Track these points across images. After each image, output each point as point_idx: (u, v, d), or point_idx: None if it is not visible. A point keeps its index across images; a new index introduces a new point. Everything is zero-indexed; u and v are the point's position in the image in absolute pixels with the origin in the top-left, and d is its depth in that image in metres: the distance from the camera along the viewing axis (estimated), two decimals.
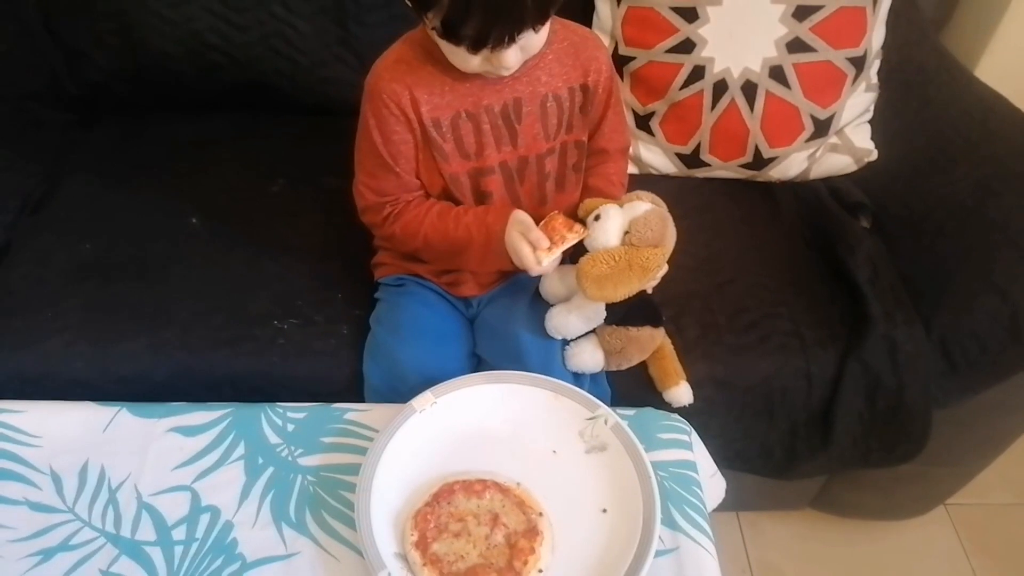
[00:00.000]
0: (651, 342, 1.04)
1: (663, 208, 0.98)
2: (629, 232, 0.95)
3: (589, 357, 1.03)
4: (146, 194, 1.31)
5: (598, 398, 1.04)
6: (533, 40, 0.91)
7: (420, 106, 0.98)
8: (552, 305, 1.05)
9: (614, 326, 1.02)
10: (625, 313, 1.01)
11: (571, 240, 0.97)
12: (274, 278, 1.18)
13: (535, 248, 0.96)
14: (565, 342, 1.04)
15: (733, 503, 1.16)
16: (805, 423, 1.14)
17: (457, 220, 1.03)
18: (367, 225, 1.09)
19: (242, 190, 1.32)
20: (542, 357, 1.02)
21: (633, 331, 1.02)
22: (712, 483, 1.02)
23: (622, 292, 0.95)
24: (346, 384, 1.08)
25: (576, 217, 1.02)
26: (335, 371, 1.09)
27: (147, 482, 0.88)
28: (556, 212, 1.01)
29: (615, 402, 1.06)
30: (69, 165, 1.38)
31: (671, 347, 1.08)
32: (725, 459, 1.15)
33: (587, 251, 0.98)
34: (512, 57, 0.90)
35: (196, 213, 1.27)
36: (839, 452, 1.15)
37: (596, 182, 1.12)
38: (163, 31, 1.38)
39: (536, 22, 0.87)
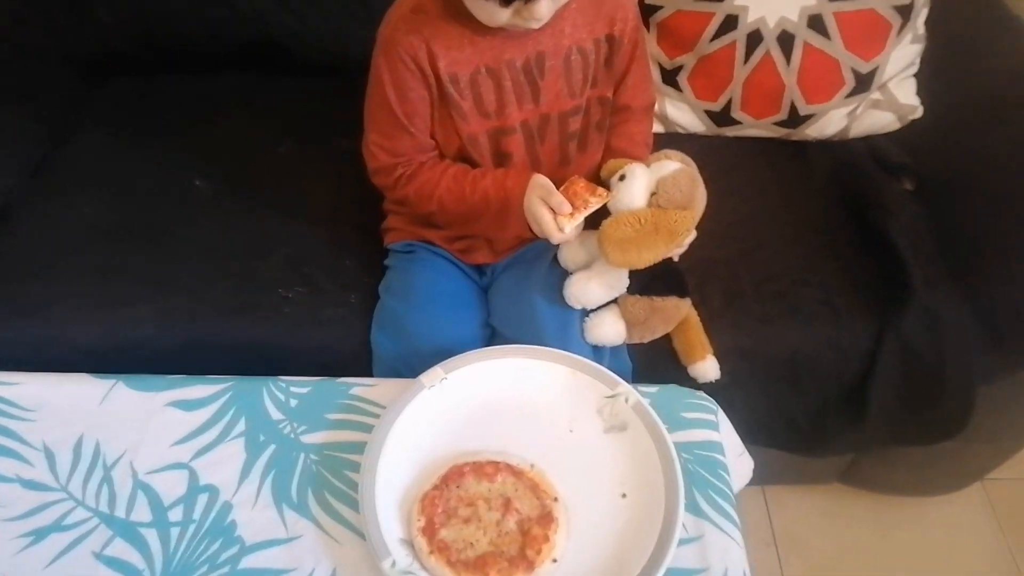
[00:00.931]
0: (676, 313, 0.98)
1: (693, 168, 0.91)
2: (656, 193, 0.88)
3: (610, 328, 0.96)
4: (152, 156, 1.25)
5: (618, 373, 0.99)
6: None
7: (438, 60, 0.92)
8: (571, 273, 0.98)
9: (637, 295, 0.95)
10: (649, 281, 0.94)
11: (594, 205, 0.91)
12: (281, 243, 1.12)
13: (556, 214, 0.90)
14: (584, 313, 0.98)
15: (759, 477, 1.09)
16: (836, 398, 1.08)
17: (474, 183, 0.97)
18: (378, 187, 1.03)
19: (249, 151, 1.26)
20: (560, 328, 0.96)
21: (658, 301, 0.95)
22: (739, 463, 0.96)
23: (647, 257, 0.88)
24: (355, 355, 1.03)
25: (598, 180, 0.96)
26: (343, 341, 1.04)
27: (143, 459, 0.83)
28: (577, 176, 0.94)
29: (636, 377, 1.01)
30: (74, 127, 1.33)
31: (697, 319, 1.01)
32: (750, 434, 1.07)
33: (610, 214, 0.91)
34: (544, 7, 0.84)
35: (202, 175, 1.21)
36: (872, 429, 1.08)
37: (619, 143, 1.05)
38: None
39: None
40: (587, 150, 1.04)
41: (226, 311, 1.04)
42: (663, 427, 0.81)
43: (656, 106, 1.25)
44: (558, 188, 0.93)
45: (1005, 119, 1.16)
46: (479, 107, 0.95)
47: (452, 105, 0.94)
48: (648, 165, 0.90)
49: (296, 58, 1.39)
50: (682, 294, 0.97)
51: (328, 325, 1.04)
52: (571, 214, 0.90)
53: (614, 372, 0.97)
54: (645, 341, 0.98)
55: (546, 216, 0.90)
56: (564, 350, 0.90)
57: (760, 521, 1.45)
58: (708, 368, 0.99)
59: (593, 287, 0.94)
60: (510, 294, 1.02)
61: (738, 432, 0.95)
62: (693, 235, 0.92)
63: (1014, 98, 1.18)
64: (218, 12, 1.33)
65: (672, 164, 0.89)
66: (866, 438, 1.11)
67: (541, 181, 0.93)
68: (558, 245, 0.99)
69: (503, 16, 0.85)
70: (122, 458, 0.83)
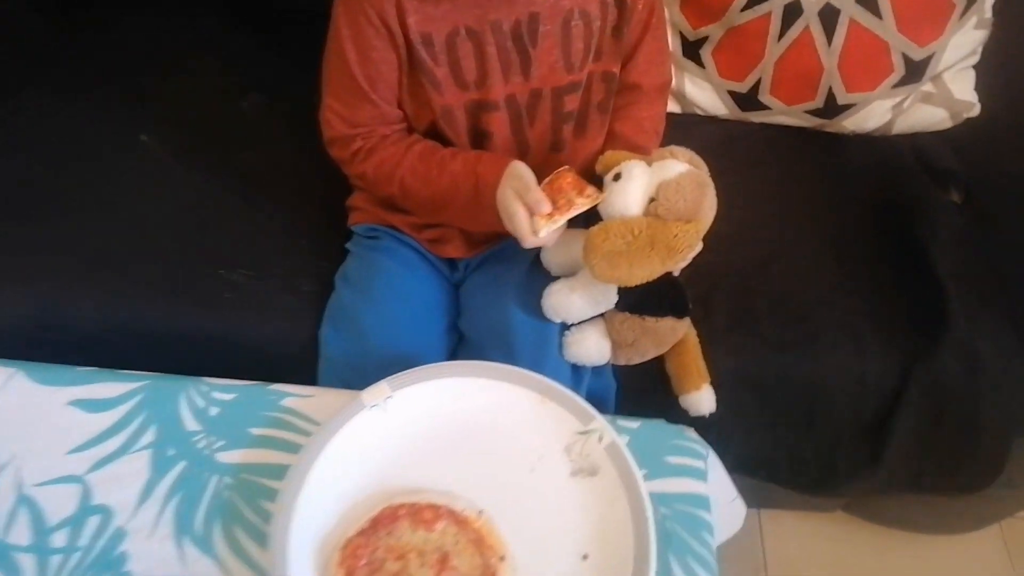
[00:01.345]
0: (671, 335, 0.86)
1: (703, 172, 0.78)
2: (656, 199, 0.76)
3: (593, 347, 0.85)
4: (100, 106, 1.14)
5: (600, 394, 0.91)
6: None
7: (407, 16, 0.80)
8: (553, 276, 0.87)
9: (627, 313, 0.83)
10: (642, 296, 0.82)
11: (580, 207, 0.79)
12: (230, 215, 1.02)
13: (532, 213, 0.78)
14: (565, 326, 0.86)
15: (754, 499, 1.00)
16: (851, 438, 0.97)
17: (442, 166, 0.85)
18: (334, 160, 0.91)
19: (208, 105, 1.15)
20: (535, 342, 0.85)
21: (650, 321, 0.83)
22: (730, 509, 0.86)
23: (639, 275, 0.77)
24: (302, 352, 0.92)
25: (593, 175, 0.83)
26: (290, 336, 0.93)
27: (32, 468, 0.72)
28: (567, 167, 0.83)
29: (620, 400, 0.91)
30: (20, 72, 1.20)
31: (695, 341, 0.89)
32: (747, 468, 1.00)
33: (601, 218, 0.79)
34: None
35: (151, 130, 1.09)
36: (887, 474, 0.98)
37: (623, 128, 0.93)
38: None
39: None
40: (586, 135, 0.92)
41: (156, 292, 0.94)
42: (639, 476, 0.70)
43: (673, 82, 1.14)
44: (543, 179, 0.81)
45: None
46: (456, 76, 0.84)
47: (423, 71, 0.82)
48: (650, 164, 0.78)
49: (272, 1, 1.27)
50: (680, 314, 0.85)
51: (274, 315, 0.94)
52: (550, 215, 0.78)
53: (595, 393, 0.89)
54: (632, 363, 0.87)
55: (520, 214, 0.78)
56: (538, 366, 0.80)
57: (752, 546, 1.36)
58: (703, 400, 0.87)
59: (576, 300, 0.83)
60: (482, 296, 0.91)
61: (735, 466, 0.86)
62: (699, 248, 0.80)
63: None
64: None
65: (678, 165, 0.77)
66: (879, 484, 1.01)
67: (519, 171, 0.82)
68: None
69: None
70: (8, 465, 0.73)
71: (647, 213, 0.76)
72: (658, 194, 0.75)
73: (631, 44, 0.90)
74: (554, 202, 0.78)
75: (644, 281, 0.77)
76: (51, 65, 1.22)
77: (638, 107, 0.94)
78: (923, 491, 1.03)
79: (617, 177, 0.77)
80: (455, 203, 0.85)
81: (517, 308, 0.85)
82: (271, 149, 1.09)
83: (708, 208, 0.76)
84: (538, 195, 0.78)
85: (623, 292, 0.82)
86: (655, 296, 0.82)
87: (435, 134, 0.88)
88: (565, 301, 0.83)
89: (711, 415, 0.88)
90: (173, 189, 1.03)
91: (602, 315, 0.86)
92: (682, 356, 0.88)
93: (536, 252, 0.88)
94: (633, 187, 0.76)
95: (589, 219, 0.81)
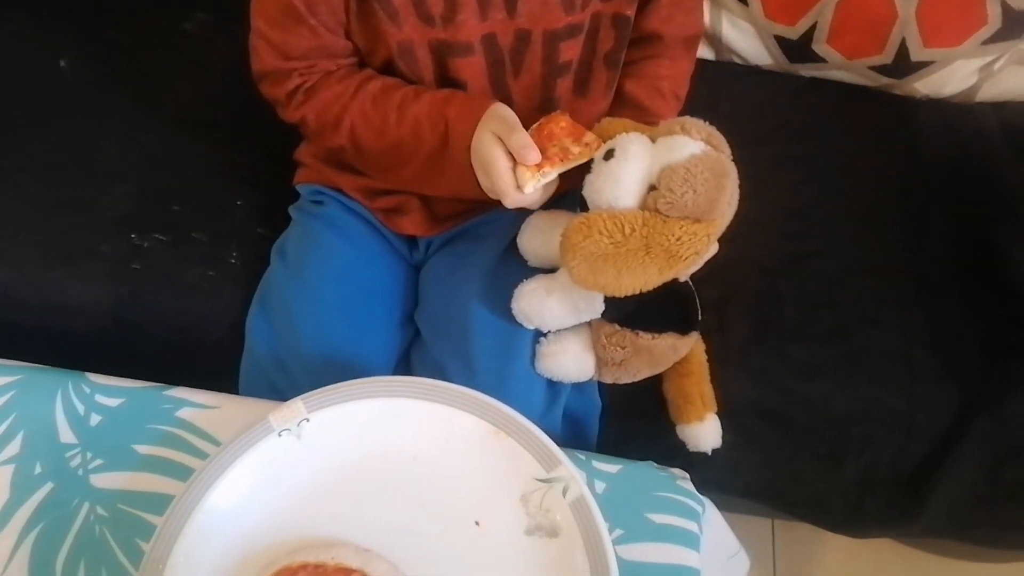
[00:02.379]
0: (671, 354, 0.75)
1: (723, 154, 0.64)
2: (657, 188, 0.63)
3: (572, 363, 0.74)
4: (15, 21, 1.01)
5: (580, 414, 0.80)
6: None
7: None
8: (530, 270, 0.75)
9: (616, 325, 0.72)
10: (635, 309, 0.70)
11: (576, 158, 0.69)
12: (151, 165, 0.91)
13: (517, 162, 0.68)
14: (540, 332, 0.75)
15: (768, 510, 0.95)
16: (887, 481, 0.86)
17: (402, 108, 0.74)
18: (268, 100, 0.80)
19: (144, 23, 1.04)
20: (498, 349, 0.75)
21: (645, 337, 0.72)
22: (730, 565, 0.77)
23: (629, 284, 0.65)
24: (224, 339, 0.83)
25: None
26: (209, 318, 0.84)
27: None
28: (560, 111, 0.73)
29: (606, 420, 0.81)
30: None
31: (702, 360, 0.78)
32: (759, 495, 0.92)
33: (586, 207, 0.68)
34: None
35: (70, 53, 0.98)
36: (927, 523, 0.88)
37: (634, 88, 0.82)
38: None
39: None
40: (588, 94, 0.80)
41: (50, 258, 0.84)
42: (609, 542, 0.59)
43: (708, 23, 1.02)
44: (528, 127, 0.70)
45: None
46: (417, 4, 0.71)
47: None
48: (654, 139, 0.65)
49: None
50: (684, 330, 0.73)
51: (192, 292, 0.84)
52: (539, 166, 0.68)
53: (575, 413, 0.80)
54: (620, 382, 0.76)
55: (501, 163, 0.68)
56: (501, 380, 0.72)
57: (763, 557, 1.27)
58: (706, 433, 0.77)
59: (552, 305, 0.71)
60: (442, 284, 0.81)
61: (744, 497, 0.82)
62: (712, 251, 0.68)
63: None
64: None
65: (691, 144, 0.63)
66: (913, 530, 0.92)
67: (500, 112, 0.72)
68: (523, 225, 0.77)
69: None
70: None
71: (645, 206, 0.63)
72: (660, 181, 0.62)
73: None
74: (544, 151, 0.68)
75: (636, 291, 0.65)
76: None
77: (656, 63, 0.81)
78: (967, 541, 0.95)
79: (609, 155, 0.64)
80: (417, 156, 0.74)
81: (480, 305, 0.75)
82: (213, 82, 0.98)
83: (726, 205, 0.63)
84: (525, 139, 0.68)
85: (612, 300, 0.70)
86: (652, 307, 0.69)
87: (393, 75, 0.76)
88: (540, 306, 0.71)
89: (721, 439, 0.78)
90: (84, 129, 0.93)
91: (588, 323, 0.74)
92: (684, 379, 0.77)
93: (513, 235, 0.77)
94: (629, 170, 0.64)
95: (583, 204, 0.69)
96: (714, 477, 0.82)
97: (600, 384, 0.80)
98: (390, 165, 0.77)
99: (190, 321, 0.83)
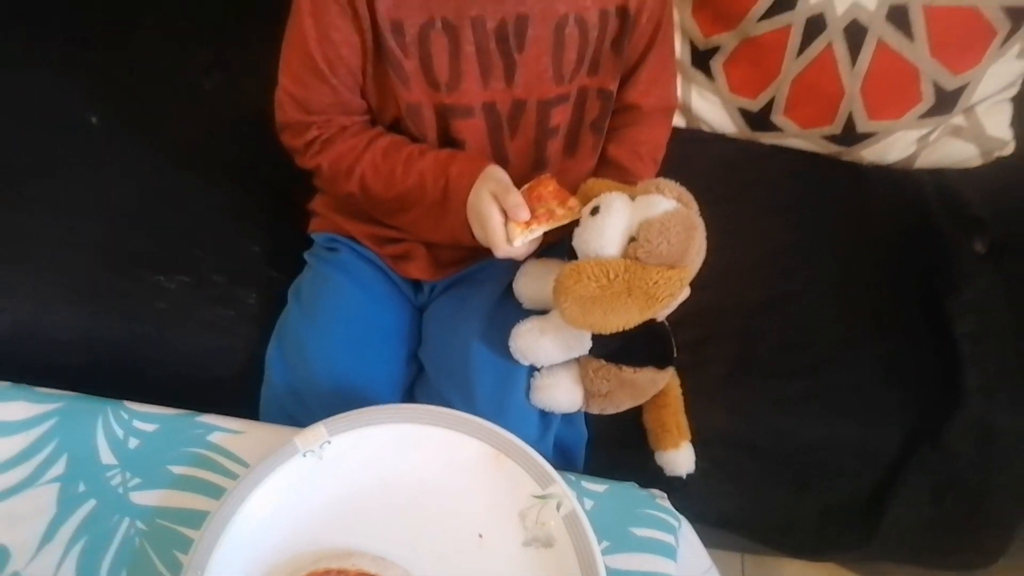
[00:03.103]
0: (650, 387, 0.83)
1: (692, 211, 0.73)
2: (637, 240, 0.72)
3: (563, 395, 0.82)
4: (42, 76, 1.09)
5: (569, 443, 0.88)
6: None
7: (376, 0, 0.77)
8: (525, 310, 0.83)
9: (602, 360, 0.80)
10: (620, 346, 0.78)
11: (560, 219, 0.77)
12: (176, 211, 0.98)
13: (509, 219, 0.76)
14: (534, 367, 0.83)
15: (738, 544, 1.01)
16: (845, 508, 0.95)
17: (409, 163, 0.82)
18: (287, 150, 0.88)
19: (167, 80, 1.12)
20: (497, 382, 0.81)
21: (628, 371, 0.80)
22: None
23: (615, 323, 0.73)
24: (242, 372, 0.89)
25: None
26: (228, 355, 0.90)
27: None
28: (548, 175, 0.81)
29: (592, 448, 0.88)
30: None
31: (677, 393, 0.86)
32: (730, 523, 0.99)
33: (575, 256, 0.76)
34: None
35: (98, 108, 1.05)
36: (879, 548, 0.97)
37: (616, 151, 0.90)
38: None
39: None
40: (576, 155, 0.89)
41: (81, 295, 0.90)
42: (598, 552, 0.66)
43: (680, 94, 1.09)
44: (521, 185, 0.78)
45: None
46: (426, 72, 0.80)
47: (390, 62, 0.79)
48: (633, 197, 0.74)
49: None
50: (662, 365, 0.82)
51: (212, 331, 0.90)
52: (527, 224, 0.76)
53: (564, 442, 0.87)
54: (606, 413, 0.84)
55: (495, 219, 0.75)
56: (500, 410, 0.78)
57: None
58: (681, 459, 0.85)
59: (546, 344, 0.79)
60: (444, 324, 0.88)
61: (716, 522, 0.88)
62: (684, 295, 0.76)
63: None
64: None
65: (664, 202, 0.72)
66: (871, 554, 0.99)
67: (497, 174, 0.79)
68: (518, 272, 0.84)
69: None
70: None
71: (626, 254, 0.72)
72: (640, 233, 0.71)
73: (633, 60, 0.86)
74: (533, 211, 0.76)
75: (620, 329, 0.73)
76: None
77: (635, 130, 0.90)
78: (919, 566, 1.01)
79: (595, 211, 0.73)
80: (420, 205, 0.82)
81: (480, 343, 0.82)
82: (232, 135, 1.05)
83: (695, 253, 0.72)
84: (517, 198, 0.75)
85: (598, 338, 0.79)
86: (634, 344, 0.78)
87: (400, 131, 0.84)
88: (534, 344, 0.79)
89: (697, 470, 0.85)
90: (115, 177, 1.00)
91: (576, 359, 0.82)
92: (661, 409, 0.85)
93: (510, 280, 0.84)
94: (612, 224, 0.72)
95: (572, 253, 0.77)
96: (689, 505, 0.87)
97: (587, 415, 0.87)
98: (395, 211, 0.85)
99: (210, 357, 0.89)
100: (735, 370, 0.92)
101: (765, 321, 0.97)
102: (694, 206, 0.74)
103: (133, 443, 0.74)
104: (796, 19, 1.03)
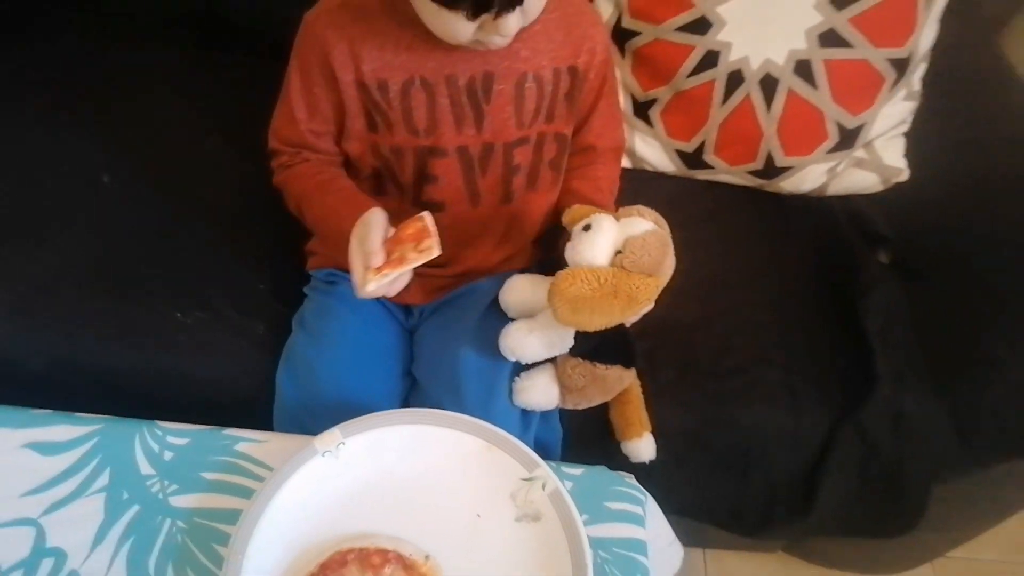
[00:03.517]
0: (618, 384, 0.92)
1: (665, 231, 0.85)
2: (623, 252, 0.82)
3: (542, 393, 0.91)
4: (57, 137, 1.17)
5: (547, 441, 0.96)
6: (535, 2, 0.80)
7: (362, 64, 0.87)
8: (510, 319, 0.92)
9: (579, 359, 0.89)
10: (596, 346, 0.88)
11: (411, 262, 0.80)
12: (187, 254, 1.06)
13: (366, 265, 0.81)
14: (515, 372, 0.92)
15: (700, 539, 1.06)
16: (785, 486, 1.03)
17: (324, 194, 0.92)
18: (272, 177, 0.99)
19: (171, 142, 1.19)
20: (483, 391, 0.90)
21: (600, 368, 0.89)
22: (668, 552, 0.91)
23: (599, 322, 0.83)
24: (253, 394, 0.96)
25: (546, 225, 0.92)
26: (241, 378, 0.97)
27: None
28: (424, 213, 0.84)
29: (568, 446, 0.97)
30: None
31: (639, 392, 0.96)
32: (689, 511, 1.06)
33: (566, 265, 0.85)
34: (512, 22, 0.80)
35: (110, 166, 1.13)
36: (818, 521, 1.04)
37: (581, 186, 1.00)
38: None
39: None
40: (537, 189, 0.99)
41: (108, 333, 0.96)
42: (580, 521, 0.75)
43: (623, 155, 1.19)
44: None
45: (999, 194, 1.12)
46: (407, 121, 0.90)
47: (379, 112, 0.89)
48: (618, 219, 0.84)
49: (240, 35, 1.32)
50: (628, 364, 0.91)
51: (227, 358, 0.97)
52: (379, 269, 0.80)
53: (542, 440, 0.95)
54: (579, 408, 0.93)
55: (356, 262, 0.81)
56: (486, 414, 0.85)
57: None
58: (644, 447, 0.94)
59: (533, 342, 0.88)
60: (434, 342, 0.97)
61: (677, 508, 0.92)
62: (650, 306, 0.86)
63: (1011, 170, 1.15)
64: None
65: (644, 223, 0.83)
66: (812, 529, 1.08)
67: (368, 218, 0.84)
68: (502, 286, 0.93)
69: (466, 32, 0.80)
70: None
71: (613, 264, 0.82)
72: (625, 247, 0.81)
73: (585, 109, 0.97)
74: (390, 254, 0.80)
75: (602, 328, 0.83)
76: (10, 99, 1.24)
77: (595, 167, 1.01)
78: (853, 535, 1.10)
79: (588, 227, 0.83)
80: (324, 235, 0.92)
81: (467, 357, 0.91)
82: (232, 191, 1.13)
83: (669, 265, 0.83)
84: (371, 247, 0.80)
85: (579, 338, 0.88)
86: (608, 344, 0.88)
87: (386, 168, 0.94)
88: (522, 341, 0.88)
89: (653, 462, 0.94)
90: (132, 227, 1.06)
91: (552, 361, 0.91)
92: (625, 405, 0.94)
93: (487, 302, 0.94)
94: (602, 239, 0.82)
95: (557, 267, 0.84)
96: (652, 496, 0.94)
97: (561, 416, 0.95)
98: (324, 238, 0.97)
99: (226, 381, 0.96)
100: (682, 373, 1.00)
101: (706, 331, 1.04)
102: (667, 228, 0.85)
103: (168, 455, 0.81)
104: (719, 75, 1.12)
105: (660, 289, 0.84)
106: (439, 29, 0.81)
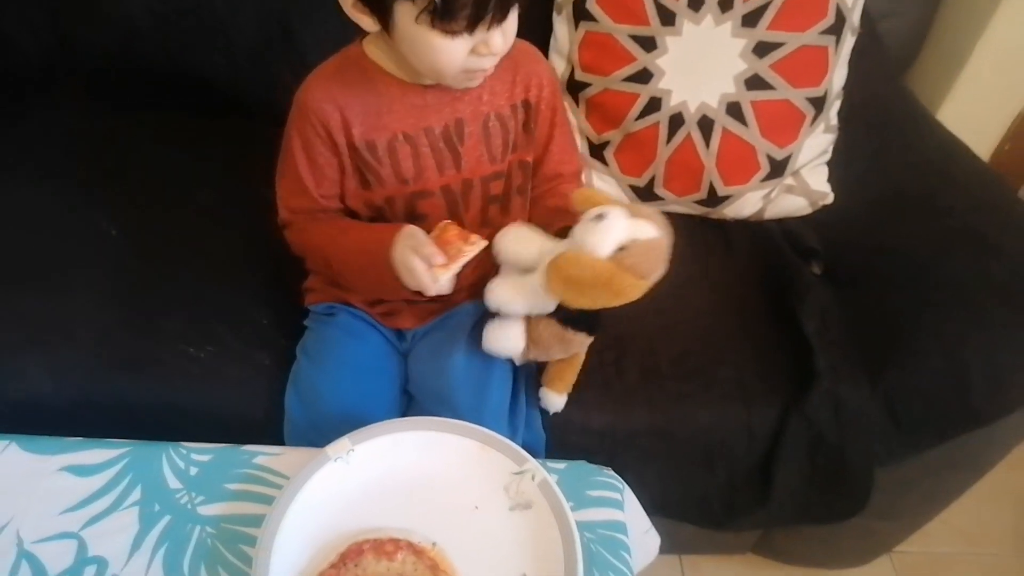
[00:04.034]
0: (579, 347, 0.99)
1: (668, 242, 0.88)
2: (626, 250, 0.85)
3: (511, 343, 0.97)
4: (62, 194, 1.24)
5: (531, 445, 1.02)
6: (511, 23, 0.87)
7: (352, 128, 0.95)
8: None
9: (554, 320, 0.95)
10: (575, 315, 0.94)
11: (469, 253, 0.90)
12: (195, 297, 1.12)
13: (429, 265, 0.89)
14: (503, 381, 1.01)
15: (675, 545, 1.13)
16: (744, 476, 1.12)
17: (348, 232, 0.99)
18: (288, 243, 1.05)
19: (169, 196, 1.26)
20: (473, 405, 0.98)
21: (570, 333, 0.95)
22: (645, 540, 0.98)
23: (584, 303, 0.89)
24: (263, 418, 1.03)
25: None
26: (251, 404, 1.04)
27: (30, 527, 0.81)
28: (448, 222, 0.95)
29: (549, 450, 1.04)
30: None
31: (583, 356, 1.03)
32: (662, 508, 1.13)
33: (569, 243, 0.89)
34: (499, 41, 0.86)
35: (114, 219, 1.20)
36: (778, 507, 1.12)
37: (558, 202, 1.07)
38: (95, 17, 1.33)
39: None
40: (510, 213, 1.07)
41: (127, 368, 1.03)
42: (567, 506, 0.82)
43: (584, 177, 1.29)
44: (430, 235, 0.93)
45: (908, 211, 1.24)
46: (396, 173, 0.98)
47: (370, 171, 0.97)
48: (630, 215, 0.87)
49: (225, 100, 1.40)
50: (592, 332, 0.98)
51: (237, 386, 1.04)
52: (445, 264, 0.89)
53: (527, 445, 0.98)
54: (537, 360, 1.00)
55: (420, 266, 0.89)
56: (478, 419, 0.91)
57: None
58: (558, 400, 1.03)
59: (518, 300, 0.94)
60: (426, 360, 1.04)
61: (651, 507, 0.97)
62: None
63: (919, 190, 1.27)
64: (145, 47, 1.35)
65: (651, 230, 0.87)
66: (772, 516, 1.15)
67: (412, 231, 0.93)
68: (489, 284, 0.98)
69: (460, 56, 0.85)
70: (8, 526, 0.81)
71: (614, 258, 0.84)
72: (630, 247, 0.84)
73: (542, 138, 1.05)
74: (445, 253, 0.89)
75: (583, 308, 0.90)
76: (4, 143, 1.32)
77: (564, 187, 1.08)
78: (810, 521, 1.17)
79: (600, 217, 0.85)
80: (358, 263, 0.96)
81: (457, 372, 0.98)
82: (228, 237, 1.20)
83: (660, 273, 0.87)
84: (432, 249, 0.89)
85: (561, 306, 0.93)
86: (585, 316, 0.94)
87: (378, 217, 1.01)
88: (507, 300, 0.94)
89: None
90: (139, 273, 1.13)
91: (526, 318, 0.96)
92: (566, 363, 1.01)
93: (473, 323, 1.01)
94: (613, 233, 0.84)
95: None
96: None
97: (544, 422, 1.03)
98: (353, 275, 0.99)
99: (237, 408, 1.02)
100: (647, 377, 1.08)
101: (666, 339, 1.13)
102: (671, 237, 0.87)
103: (193, 471, 0.86)
104: (662, 118, 1.22)
105: (646, 290, 0.88)
106: (431, 61, 0.86)
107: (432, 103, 0.96)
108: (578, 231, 0.87)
